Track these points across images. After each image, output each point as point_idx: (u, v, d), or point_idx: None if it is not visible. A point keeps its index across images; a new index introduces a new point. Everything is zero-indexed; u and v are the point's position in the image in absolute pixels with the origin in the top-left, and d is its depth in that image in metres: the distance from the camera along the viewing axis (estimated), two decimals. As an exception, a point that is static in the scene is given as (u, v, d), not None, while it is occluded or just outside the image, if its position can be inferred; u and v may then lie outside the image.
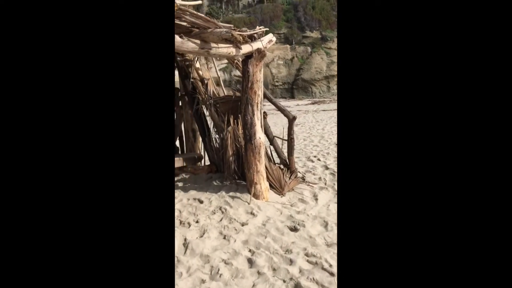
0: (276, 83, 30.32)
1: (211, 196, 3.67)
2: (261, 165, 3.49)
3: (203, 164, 4.99)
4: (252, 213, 3.22)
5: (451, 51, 0.96)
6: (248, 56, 3.31)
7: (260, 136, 3.44)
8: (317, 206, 3.39)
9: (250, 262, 2.36)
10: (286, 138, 4.09)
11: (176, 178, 4.67)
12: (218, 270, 2.24)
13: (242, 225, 2.99)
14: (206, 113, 4.55)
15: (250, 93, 3.34)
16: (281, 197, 3.76)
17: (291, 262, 2.32)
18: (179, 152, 5.40)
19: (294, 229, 2.89)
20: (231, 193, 3.67)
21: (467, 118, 0.96)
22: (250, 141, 3.43)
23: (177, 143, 5.49)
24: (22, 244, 0.97)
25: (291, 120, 3.85)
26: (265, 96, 3.99)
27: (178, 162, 4.61)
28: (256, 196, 3.50)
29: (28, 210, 0.98)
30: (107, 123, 1.08)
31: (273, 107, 4.46)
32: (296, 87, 30.13)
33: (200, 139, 4.95)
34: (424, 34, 0.99)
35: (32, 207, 0.99)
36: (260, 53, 3.29)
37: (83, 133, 1.05)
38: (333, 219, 3.01)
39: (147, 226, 1.09)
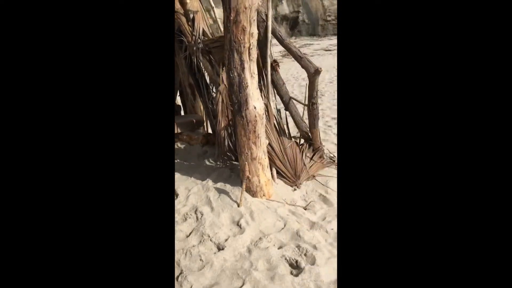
0: (328, 18, 26.42)
1: (193, 186, 2.62)
2: (259, 149, 2.26)
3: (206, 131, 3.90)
4: (238, 225, 2.12)
5: (450, 47, 0.98)
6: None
7: (255, 104, 2.15)
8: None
9: None
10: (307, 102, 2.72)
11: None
12: None
13: (218, 248, 1.93)
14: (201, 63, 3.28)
15: (235, 31, 1.96)
16: (294, 190, 2.56)
17: None
18: (181, 112, 4.35)
19: (296, 267, 1.75)
20: (219, 184, 2.57)
21: (466, 117, 0.96)
22: (239, 113, 2.17)
23: (179, 100, 4.42)
24: (20, 243, 0.96)
25: (312, 74, 2.41)
26: (273, 34, 2.56)
27: (171, 129, 3.58)
28: (251, 192, 2.35)
29: (19, 199, 0.97)
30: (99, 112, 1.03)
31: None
32: (352, 22, 25.93)
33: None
34: (424, 31, 1.00)
35: (25, 193, 0.98)
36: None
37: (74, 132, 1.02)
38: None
39: (145, 224, 1.03)
